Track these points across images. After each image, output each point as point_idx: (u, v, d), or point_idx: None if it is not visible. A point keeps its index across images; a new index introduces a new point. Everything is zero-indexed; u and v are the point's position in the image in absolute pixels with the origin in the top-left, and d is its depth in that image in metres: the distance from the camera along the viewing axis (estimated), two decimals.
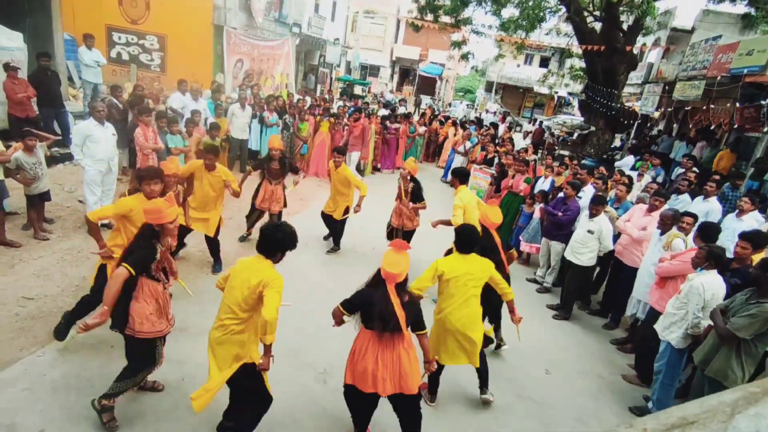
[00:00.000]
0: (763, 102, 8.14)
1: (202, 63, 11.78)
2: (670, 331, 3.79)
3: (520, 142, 15.21)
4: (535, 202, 6.65)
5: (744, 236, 4.04)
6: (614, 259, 5.51)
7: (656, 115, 15.62)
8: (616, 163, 11.22)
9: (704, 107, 10.23)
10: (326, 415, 3.41)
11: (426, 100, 28.99)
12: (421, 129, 12.86)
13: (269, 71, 14.51)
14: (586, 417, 3.90)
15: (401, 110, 15.46)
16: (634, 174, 7.87)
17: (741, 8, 12.53)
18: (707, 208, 5.99)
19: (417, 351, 2.94)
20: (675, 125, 14.11)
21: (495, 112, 25.30)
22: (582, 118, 17.14)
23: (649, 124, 16.54)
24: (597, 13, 12.45)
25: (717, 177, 7.00)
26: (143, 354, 2.95)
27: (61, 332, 3.60)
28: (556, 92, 30.17)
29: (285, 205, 6.09)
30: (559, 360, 4.68)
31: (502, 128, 16.24)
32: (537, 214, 6.49)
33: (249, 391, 2.86)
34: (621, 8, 11.58)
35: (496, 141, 12.00)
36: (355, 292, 2.89)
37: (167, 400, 3.25)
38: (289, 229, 2.82)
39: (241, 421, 2.90)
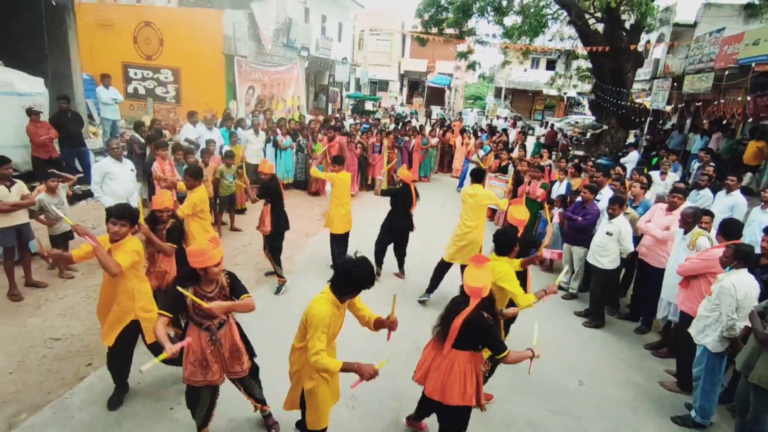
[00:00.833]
0: None
1: (215, 92, 12.11)
2: (705, 335, 3.63)
3: (532, 145, 15.09)
4: (554, 207, 6.53)
5: None
6: (639, 260, 5.34)
7: (668, 109, 15.33)
8: (622, 160, 10.97)
9: (715, 99, 10.01)
10: None
11: (436, 110, 29.10)
12: (434, 140, 12.84)
13: (280, 95, 14.80)
14: (625, 429, 3.74)
15: (413, 123, 15.53)
16: (655, 174, 7.63)
17: None
18: (731, 202, 5.79)
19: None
20: (688, 120, 13.81)
21: (506, 118, 25.18)
22: (593, 118, 16.96)
23: (661, 120, 16.23)
24: (598, 14, 12.37)
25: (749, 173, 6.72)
26: (188, 397, 2.96)
27: (114, 403, 3.40)
28: (566, 93, 29.95)
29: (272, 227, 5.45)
30: (591, 369, 4.52)
31: (513, 133, 16.12)
32: (557, 220, 6.36)
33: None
34: (622, 8, 11.49)
35: (509, 147, 11.89)
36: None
37: None
38: (366, 267, 2.57)
39: None
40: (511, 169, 9.05)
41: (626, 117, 12.40)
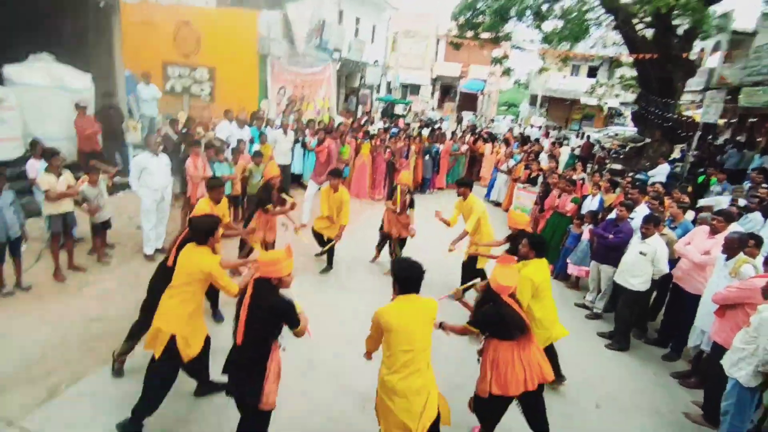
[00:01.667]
0: None
1: (248, 91, 12.37)
2: (738, 368, 3.43)
3: (566, 156, 14.64)
4: (584, 223, 6.34)
5: None
6: (673, 284, 5.10)
7: (721, 123, 14.52)
8: (649, 173, 10.43)
9: None
10: None
11: (468, 116, 28.78)
12: (464, 147, 12.69)
13: (311, 96, 14.99)
14: None
15: (443, 128, 15.39)
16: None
17: None
18: None
19: None
20: (744, 135, 13.03)
21: (540, 127, 24.63)
22: (636, 130, 16.30)
23: (711, 135, 15.42)
24: (647, 20, 11.83)
25: None
26: (264, 426, 2.84)
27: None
28: (606, 103, 28.98)
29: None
30: (613, 393, 4.36)
31: (546, 143, 15.73)
32: (586, 236, 6.18)
33: None
34: (674, 13, 10.94)
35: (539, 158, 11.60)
36: (479, 313, 3.13)
37: None
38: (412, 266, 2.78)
39: None
40: (540, 180, 8.86)
41: (672, 130, 11.82)
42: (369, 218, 8.20)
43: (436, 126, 16.97)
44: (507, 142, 13.15)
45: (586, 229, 6.16)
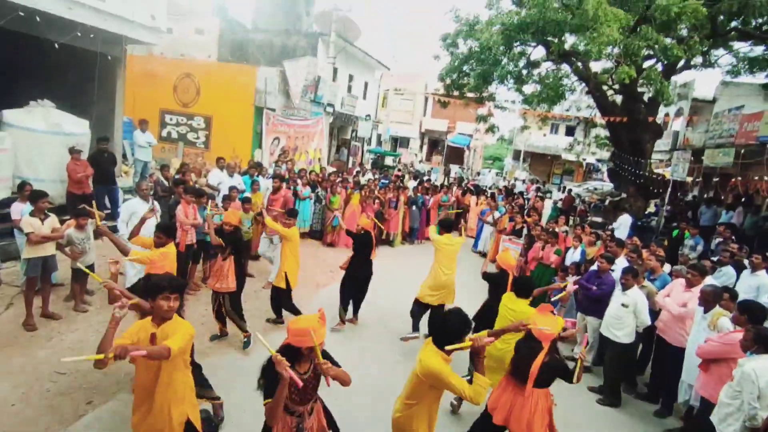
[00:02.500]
0: None
1: (243, 140, 12.73)
2: (727, 424, 3.42)
3: (549, 208, 15.08)
4: (569, 275, 6.45)
5: None
6: (657, 337, 5.16)
7: (689, 180, 15.34)
8: (613, 224, 10.70)
9: (736, 174, 10.03)
10: None
11: (455, 168, 29.67)
12: (452, 199, 12.97)
13: (304, 147, 15.41)
14: None
15: (432, 178, 15.79)
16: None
17: (761, 78, 12.56)
18: (757, 282, 5.61)
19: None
20: (710, 192, 13.73)
21: (524, 180, 25.45)
22: (612, 185, 17.01)
23: (679, 192, 16.16)
24: (616, 87, 12.76)
25: None
26: None
27: None
28: (584, 159, 30.28)
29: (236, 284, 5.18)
30: None
31: (530, 197, 16.23)
32: (570, 287, 6.26)
33: None
34: (639, 82, 11.86)
35: (525, 210, 11.93)
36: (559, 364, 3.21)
37: None
38: (456, 316, 2.81)
39: None
40: (524, 232, 9.06)
41: (645, 186, 12.42)
42: None
43: (425, 178, 17.39)
44: (493, 196, 13.55)
45: (571, 281, 6.26)
